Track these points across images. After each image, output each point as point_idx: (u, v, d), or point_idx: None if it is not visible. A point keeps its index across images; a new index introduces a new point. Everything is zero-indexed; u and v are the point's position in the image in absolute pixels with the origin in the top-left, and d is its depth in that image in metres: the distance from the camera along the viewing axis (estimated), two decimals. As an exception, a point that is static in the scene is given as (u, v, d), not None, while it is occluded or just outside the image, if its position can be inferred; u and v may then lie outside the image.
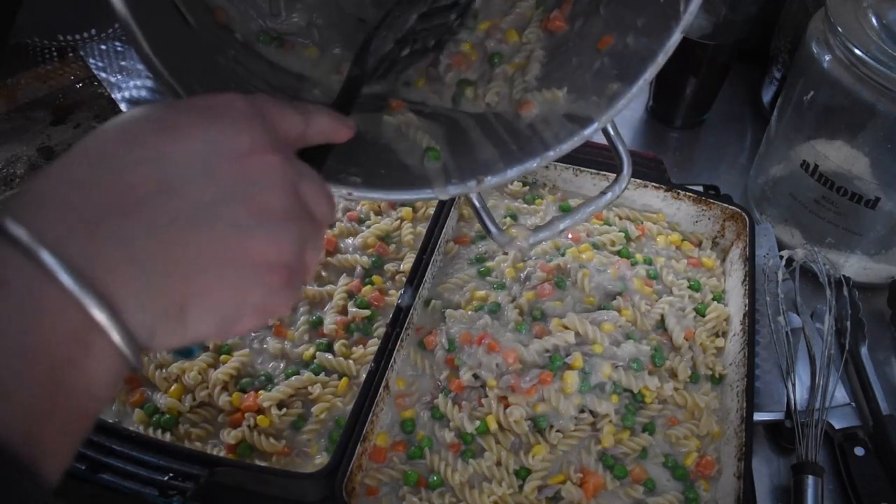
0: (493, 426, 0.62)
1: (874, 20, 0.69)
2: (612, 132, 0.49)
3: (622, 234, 0.77)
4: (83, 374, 0.27)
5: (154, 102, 0.32)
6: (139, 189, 0.29)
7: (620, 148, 0.49)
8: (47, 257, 0.26)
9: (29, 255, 0.26)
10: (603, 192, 0.50)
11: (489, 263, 0.74)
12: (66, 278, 0.26)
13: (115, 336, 0.27)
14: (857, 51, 0.67)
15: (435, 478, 0.60)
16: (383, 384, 0.62)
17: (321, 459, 0.60)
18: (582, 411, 0.63)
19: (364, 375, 0.62)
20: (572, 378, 0.62)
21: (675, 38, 0.42)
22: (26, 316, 0.26)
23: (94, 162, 0.29)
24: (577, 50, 0.50)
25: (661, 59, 0.43)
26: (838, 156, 0.73)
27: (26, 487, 0.25)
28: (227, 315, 0.31)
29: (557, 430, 0.62)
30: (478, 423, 0.62)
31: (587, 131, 0.45)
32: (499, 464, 0.60)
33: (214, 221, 0.30)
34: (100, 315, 0.27)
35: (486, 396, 0.63)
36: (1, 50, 0.59)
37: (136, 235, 0.28)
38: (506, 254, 0.75)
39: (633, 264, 0.74)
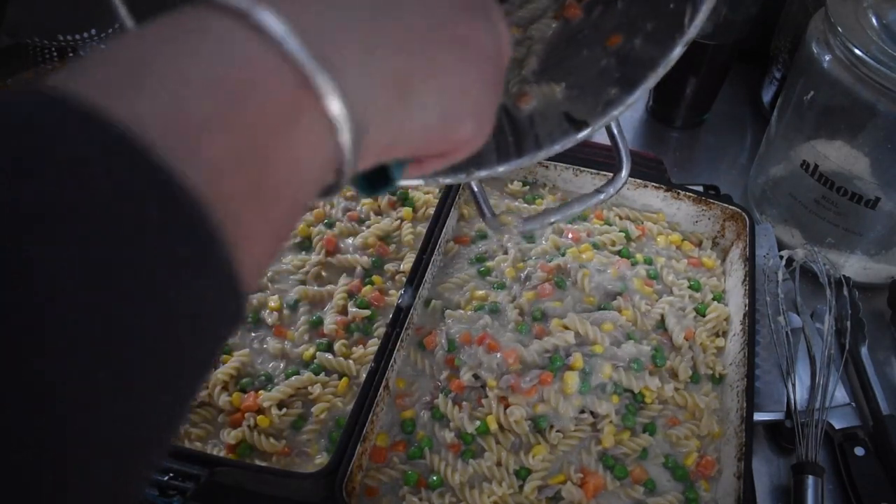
0: (494, 426, 0.62)
1: (874, 20, 0.69)
2: (615, 130, 0.48)
3: (622, 234, 0.77)
4: (291, 146, 0.23)
5: None
6: None
7: (621, 147, 0.49)
8: (264, 15, 0.22)
9: (239, 14, 0.22)
10: (598, 190, 0.49)
11: (489, 263, 0.74)
12: (278, 30, 0.22)
13: (334, 104, 0.23)
14: (857, 51, 0.67)
15: (434, 478, 0.60)
16: (383, 384, 0.62)
17: (321, 459, 0.60)
18: (582, 412, 0.63)
19: (364, 375, 0.62)
20: (573, 379, 0.62)
21: (678, 51, 0.41)
22: (226, 61, 0.22)
23: None
24: (589, 41, 0.50)
25: (662, 71, 0.42)
26: (838, 156, 0.73)
27: (223, 281, 0.21)
28: (449, 108, 0.29)
29: (557, 431, 0.62)
30: (478, 423, 0.62)
31: (580, 135, 0.45)
32: (499, 464, 0.60)
33: (437, 2, 0.29)
34: (318, 75, 0.23)
35: (486, 397, 0.63)
36: None
37: (355, 4, 0.26)
38: (506, 253, 0.75)
39: (634, 264, 0.74)
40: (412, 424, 0.63)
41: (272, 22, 0.22)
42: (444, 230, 0.73)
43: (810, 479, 0.62)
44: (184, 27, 0.22)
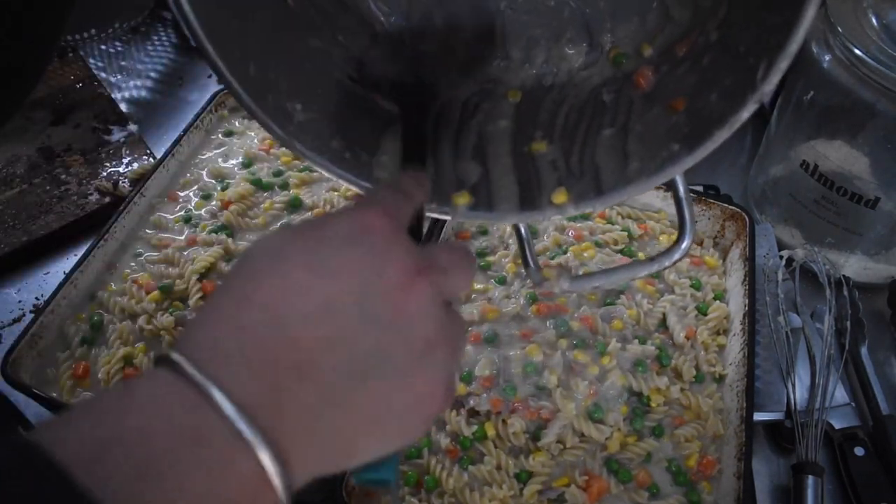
0: (492, 432, 0.62)
1: (874, 20, 0.69)
2: (681, 192, 0.43)
3: (625, 233, 0.77)
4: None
5: (285, 228, 0.33)
6: (306, 344, 0.29)
7: (687, 215, 0.44)
8: (246, 430, 0.27)
9: (227, 421, 0.27)
10: (651, 259, 0.45)
11: (490, 258, 0.74)
12: (263, 454, 0.27)
13: (279, 486, 0.28)
14: (857, 51, 0.67)
15: (428, 478, 0.59)
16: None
17: (321, 459, 0.60)
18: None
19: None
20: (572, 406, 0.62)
21: (750, 108, 0.38)
22: (221, 477, 0.27)
23: (261, 312, 0.29)
24: (664, 97, 0.46)
25: (728, 130, 0.39)
26: (838, 156, 0.73)
27: None
28: (393, 444, 0.32)
29: (558, 442, 0.61)
30: (475, 427, 0.62)
31: (628, 191, 0.43)
32: (499, 468, 0.60)
33: (381, 369, 0.30)
34: (276, 479, 0.28)
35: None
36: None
37: (310, 399, 0.29)
38: (506, 248, 0.75)
39: (635, 263, 0.74)
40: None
41: (249, 434, 0.27)
42: (445, 226, 0.73)
43: (810, 479, 0.62)
44: (183, 432, 0.27)
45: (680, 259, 0.45)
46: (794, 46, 0.35)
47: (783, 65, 0.36)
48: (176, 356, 0.28)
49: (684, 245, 0.44)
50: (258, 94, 0.43)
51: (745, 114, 0.38)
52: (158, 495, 0.25)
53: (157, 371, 0.28)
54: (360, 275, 0.31)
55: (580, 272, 0.66)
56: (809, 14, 0.34)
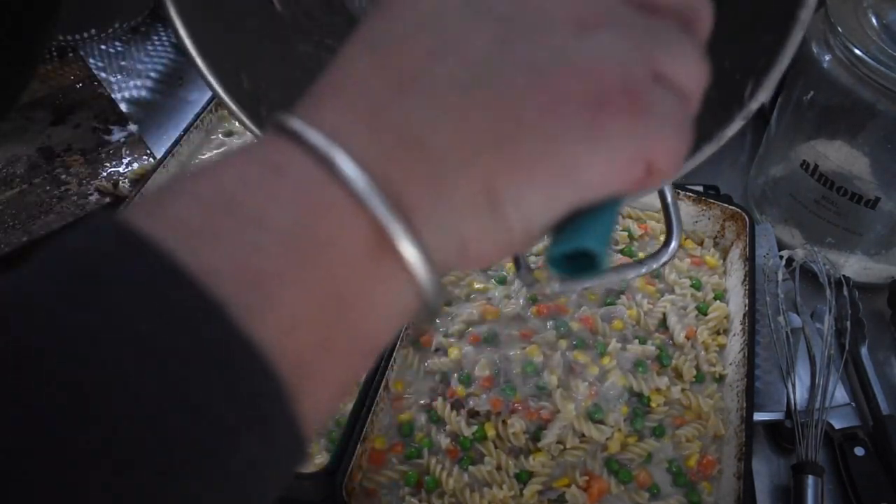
0: (492, 433, 0.62)
1: (874, 20, 0.69)
2: (668, 198, 0.43)
3: (625, 233, 0.77)
4: (368, 298, 0.22)
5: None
6: (412, 57, 0.23)
7: (673, 218, 0.44)
8: (339, 156, 0.22)
9: (314, 152, 0.22)
10: (640, 261, 0.45)
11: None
12: (358, 179, 0.21)
13: (410, 251, 0.22)
14: (857, 51, 0.67)
15: (429, 479, 0.59)
16: (383, 384, 0.62)
17: (321, 459, 0.60)
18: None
19: (363, 375, 0.62)
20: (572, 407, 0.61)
21: (737, 125, 0.37)
22: (304, 210, 0.21)
23: (365, 47, 0.24)
24: None
25: (716, 144, 0.38)
26: (838, 156, 0.73)
27: (285, 436, 0.21)
28: (555, 187, 0.23)
29: (559, 442, 0.61)
30: (475, 427, 0.62)
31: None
32: (499, 468, 0.60)
33: (502, 62, 0.23)
34: (393, 225, 0.22)
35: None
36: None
37: (421, 114, 0.22)
38: None
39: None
40: (409, 427, 0.63)
41: (350, 170, 0.22)
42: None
43: (810, 479, 0.62)
44: (263, 166, 0.22)
45: (668, 261, 0.45)
46: (781, 68, 0.35)
47: (771, 84, 0.35)
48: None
49: (672, 247, 0.44)
50: (252, 108, 0.42)
51: (733, 130, 0.37)
52: (236, 233, 0.20)
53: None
54: None
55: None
56: (797, 37, 0.33)
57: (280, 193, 0.21)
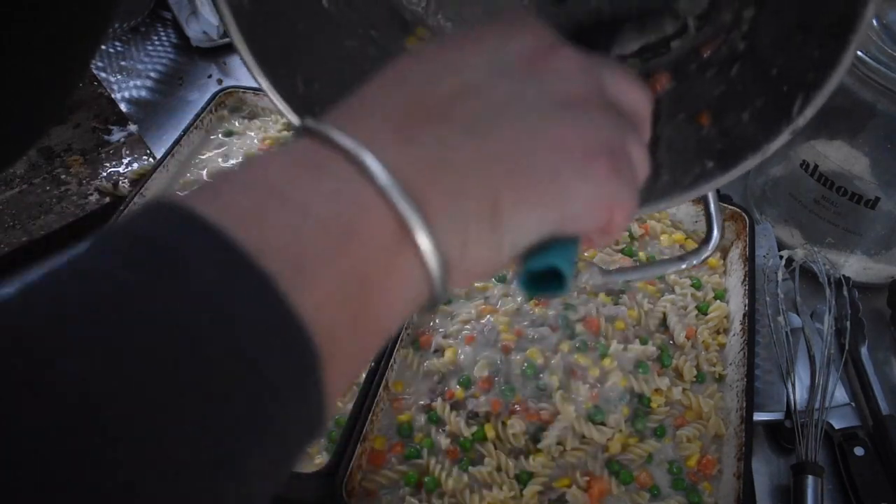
0: (491, 433, 0.62)
1: (874, 20, 0.69)
2: (711, 201, 0.45)
3: (626, 233, 0.77)
4: (388, 282, 0.26)
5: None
6: (438, 95, 0.28)
7: (714, 219, 0.46)
8: (368, 158, 0.25)
9: (348, 155, 0.26)
10: (680, 258, 0.47)
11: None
12: (384, 179, 0.25)
13: (425, 241, 0.26)
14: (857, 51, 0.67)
15: (428, 479, 0.59)
16: (383, 384, 0.62)
17: (321, 459, 0.60)
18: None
19: (363, 375, 0.62)
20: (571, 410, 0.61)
21: (783, 138, 0.38)
22: (340, 202, 0.25)
23: (395, 80, 0.29)
24: (687, 108, 0.46)
25: (761, 156, 0.39)
26: (838, 156, 0.73)
27: (316, 405, 0.24)
28: (547, 210, 0.29)
29: (559, 443, 0.61)
30: (475, 428, 0.62)
31: (661, 204, 0.43)
32: (499, 469, 0.60)
33: (518, 112, 0.28)
34: (413, 217, 0.25)
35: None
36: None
37: (442, 137, 0.27)
38: None
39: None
40: (409, 427, 0.63)
41: (378, 170, 0.25)
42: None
43: (810, 479, 0.62)
44: (304, 164, 0.26)
45: (709, 257, 0.47)
46: (831, 87, 0.35)
47: (819, 102, 0.36)
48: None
49: (711, 245, 0.46)
50: (308, 110, 0.43)
51: (779, 143, 0.38)
52: (284, 219, 0.24)
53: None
54: (496, 42, 0.30)
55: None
56: (851, 52, 0.33)
57: (321, 188, 0.25)
